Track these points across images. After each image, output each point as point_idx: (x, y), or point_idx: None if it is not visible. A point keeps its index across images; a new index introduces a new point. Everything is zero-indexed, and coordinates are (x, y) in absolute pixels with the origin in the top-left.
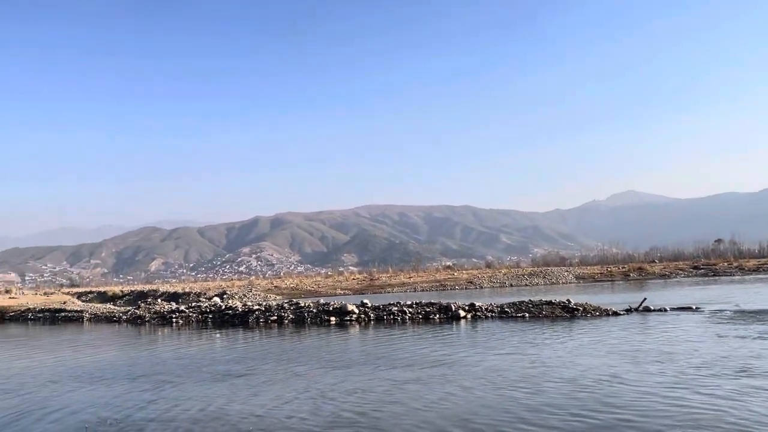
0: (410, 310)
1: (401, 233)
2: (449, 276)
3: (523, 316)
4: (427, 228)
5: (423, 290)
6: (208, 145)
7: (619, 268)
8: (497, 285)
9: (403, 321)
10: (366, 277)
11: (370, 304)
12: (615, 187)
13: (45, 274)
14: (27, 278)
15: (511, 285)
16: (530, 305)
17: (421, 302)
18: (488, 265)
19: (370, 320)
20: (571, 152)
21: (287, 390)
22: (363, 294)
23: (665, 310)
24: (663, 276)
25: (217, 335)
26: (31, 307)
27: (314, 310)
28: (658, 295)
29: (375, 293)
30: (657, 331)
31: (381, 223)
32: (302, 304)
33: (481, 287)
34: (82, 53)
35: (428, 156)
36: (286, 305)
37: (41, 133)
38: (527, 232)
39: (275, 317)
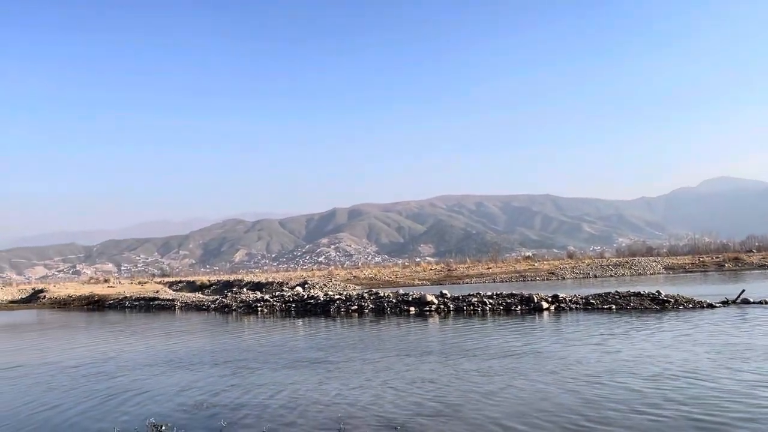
0: (491, 301)
1: (478, 223)
2: (529, 267)
3: (610, 308)
4: (506, 218)
5: (502, 281)
6: (287, 140)
7: (712, 258)
8: (580, 276)
9: (484, 312)
10: (443, 267)
11: (449, 295)
12: (708, 173)
13: (138, 265)
14: (123, 268)
15: (595, 276)
16: (617, 296)
17: (501, 293)
18: (570, 256)
19: (449, 311)
20: (657, 137)
21: (369, 377)
22: (441, 285)
23: (767, 303)
24: (762, 266)
25: (300, 323)
26: (127, 295)
27: (393, 300)
28: (757, 287)
29: (453, 284)
30: (756, 325)
31: (458, 213)
32: (381, 294)
33: (563, 278)
34: (177, 53)
35: (506, 144)
36: (366, 295)
37: (154, 133)
38: (611, 221)
39: (355, 307)
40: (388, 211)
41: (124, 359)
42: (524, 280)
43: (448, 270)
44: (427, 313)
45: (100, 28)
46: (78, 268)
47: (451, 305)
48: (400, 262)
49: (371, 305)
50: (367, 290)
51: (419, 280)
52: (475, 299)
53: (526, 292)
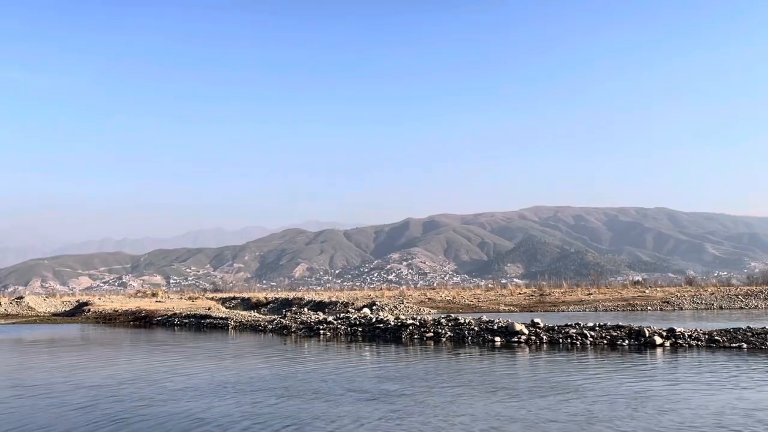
0: (592, 333)
1: (577, 240)
2: (639, 294)
3: (740, 347)
4: (611, 235)
5: (605, 310)
6: (357, 144)
7: None
8: (702, 307)
9: (583, 346)
10: (534, 291)
11: (542, 324)
12: None
13: (189, 278)
14: (171, 281)
15: (721, 307)
16: (749, 333)
17: (605, 324)
18: (689, 282)
19: (542, 343)
20: None
21: (447, 415)
22: (531, 312)
23: None
24: None
25: (367, 350)
26: (177, 312)
27: (476, 328)
28: None
29: (546, 311)
30: None
31: (552, 228)
32: (462, 321)
33: (681, 308)
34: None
35: (612, 151)
36: (443, 321)
37: (194, 135)
38: (741, 242)
39: (431, 334)
40: (469, 223)
41: (169, 383)
42: (633, 310)
43: (541, 295)
44: (516, 344)
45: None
46: (124, 280)
47: (545, 336)
48: (482, 283)
49: (449, 333)
50: (445, 315)
51: (505, 305)
52: (574, 330)
53: (635, 324)
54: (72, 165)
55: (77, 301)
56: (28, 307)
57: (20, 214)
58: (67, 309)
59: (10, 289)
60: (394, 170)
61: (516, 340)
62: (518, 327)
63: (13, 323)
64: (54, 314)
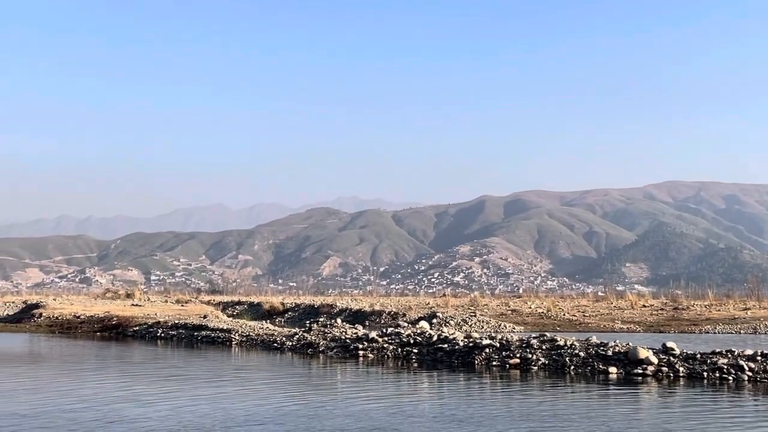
0: (751, 364)
1: (728, 231)
2: None
3: None
4: None
5: None
6: (410, 88)
7: None
8: None
9: (739, 383)
10: (666, 303)
11: (677, 351)
12: None
13: (177, 273)
14: (153, 278)
15: None
16: None
17: None
18: None
19: (677, 377)
20: None
21: None
22: (661, 332)
23: None
24: None
25: (425, 379)
26: (161, 320)
27: (581, 354)
28: None
29: (682, 332)
30: None
31: (693, 214)
32: (560, 342)
33: None
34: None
35: None
36: (534, 342)
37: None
38: None
39: (517, 359)
40: (571, 204)
41: (147, 419)
42: None
43: (675, 308)
44: (639, 378)
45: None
46: (88, 274)
47: (681, 368)
48: (589, 290)
49: (543, 359)
50: (537, 334)
51: (623, 322)
52: (725, 361)
53: None
54: (17, 115)
55: (24, 302)
56: None
57: None
58: (11, 313)
59: None
60: (464, 129)
61: (640, 371)
62: (643, 354)
63: None
64: None
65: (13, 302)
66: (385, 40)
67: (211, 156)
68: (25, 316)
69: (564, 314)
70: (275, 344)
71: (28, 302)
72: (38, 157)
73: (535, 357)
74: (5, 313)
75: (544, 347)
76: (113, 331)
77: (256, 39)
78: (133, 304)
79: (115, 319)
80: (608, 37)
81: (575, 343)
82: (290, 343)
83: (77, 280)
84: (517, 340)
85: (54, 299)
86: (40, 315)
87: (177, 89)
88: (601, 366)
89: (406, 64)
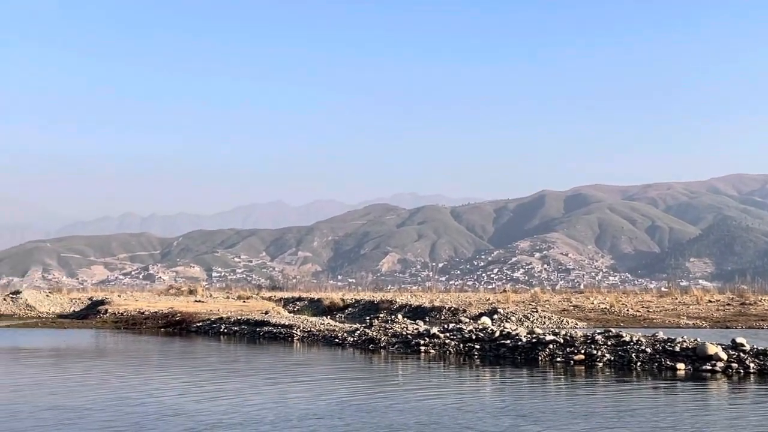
0: None
1: None
2: None
3: None
4: None
5: None
6: (470, 81)
7: None
8: None
9: None
10: (732, 299)
11: (747, 347)
12: None
13: (238, 270)
14: (214, 274)
15: None
16: None
17: None
18: None
19: (748, 373)
20: None
21: None
22: (728, 328)
23: None
24: None
25: (488, 376)
26: (223, 316)
27: (648, 350)
28: None
29: (750, 327)
30: None
31: (759, 207)
32: (626, 338)
33: None
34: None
35: None
36: (599, 338)
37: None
38: None
39: (581, 356)
40: (633, 198)
41: (211, 414)
42: None
43: (741, 304)
44: (707, 374)
45: None
46: (152, 271)
47: (752, 364)
48: (653, 285)
49: (608, 355)
50: (601, 330)
51: (688, 318)
52: None
53: None
54: (83, 116)
55: (90, 299)
56: (27, 305)
57: (14, 182)
58: (77, 309)
59: (2, 281)
60: (523, 122)
61: (708, 368)
62: (712, 350)
63: (7, 326)
64: (60, 315)
65: (79, 299)
66: (438, 37)
67: (270, 153)
68: (90, 313)
69: (628, 310)
70: (336, 340)
71: (94, 299)
72: (102, 156)
73: (600, 353)
74: (72, 310)
75: (609, 343)
76: (177, 327)
77: (314, 37)
78: (195, 301)
79: (178, 315)
80: (669, 30)
81: (641, 338)
82: (351, 339)
83: (141, 276)
84: (581, 336)
85: (118, 296)
86: (106, 311)
87: (235, 86)
88: (668, 362)
89: (464, 60)
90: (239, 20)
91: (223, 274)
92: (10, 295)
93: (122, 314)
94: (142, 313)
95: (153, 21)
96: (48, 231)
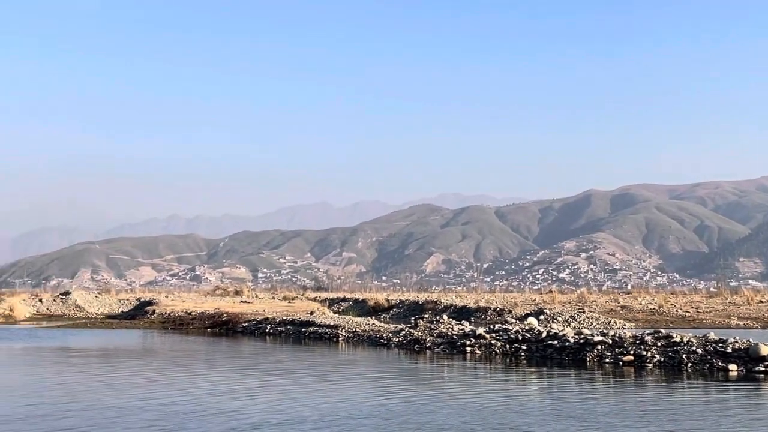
0: None
1: None
2: None
3: None
4: None
5: None
6: (508, 90)
7: None
8: None
9: None
10: None
11: None
12: None
13: (283, 271)
14: (260, 275)
15: None
16: None
17: None
18: None
19: None
20: None
21: None
22: None
23: None
24: None
25: (534, 377)
26: (269, 316)
27: (698, 351)
28: None
29: None
30: None
31: None
32: (676, 339)
33: None
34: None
35: None
36: (648, 338)
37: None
38: None
39: (630, 357)
40: (681, 197)
41: (245, 416)
42: None
43: None
44: (761, 375)
45: None
46: (198, 272)
47: None
48: (701, 286)
49: (657, 356)
50: (651, 331)
51: (739, 318)
52: None
53: None
54: (129, 121)
55: (138, 300)
56: (76, 305)
57: (63, 185)
58: (125, 309)
59: (52, 282)
60: (568, 123)
61: (762, 369)
62: (765, 350)
63: (57, 326)
64: (108, 316)
65: (127, 299)
66: (490, 39)
67: (314, 154)
68: (138, 313)
69: (677, 310)
70: (381, 340)
71: (142, 299)
72: (149, 159)
73: (649, 354)
74: (120, 310)
75: (659, 344)
76: (223, 327)
77: (363, 38)
78: (241, 301)
79: (224, 315)
80: (716, 32)
81: (692, 339)
82: (396, 339)
83: (188, 277)
84: (630, 337)
85: (166, 296)
86: (153, 312)
87: (280, 89)
88: (720, 363)
89: (509, 61)
90: (285, 21)
91: (268, 274)
92: (60, 296)
93: (169, 315)
94: (189, 314)
95: (194, 23)
96: (96, 233)
